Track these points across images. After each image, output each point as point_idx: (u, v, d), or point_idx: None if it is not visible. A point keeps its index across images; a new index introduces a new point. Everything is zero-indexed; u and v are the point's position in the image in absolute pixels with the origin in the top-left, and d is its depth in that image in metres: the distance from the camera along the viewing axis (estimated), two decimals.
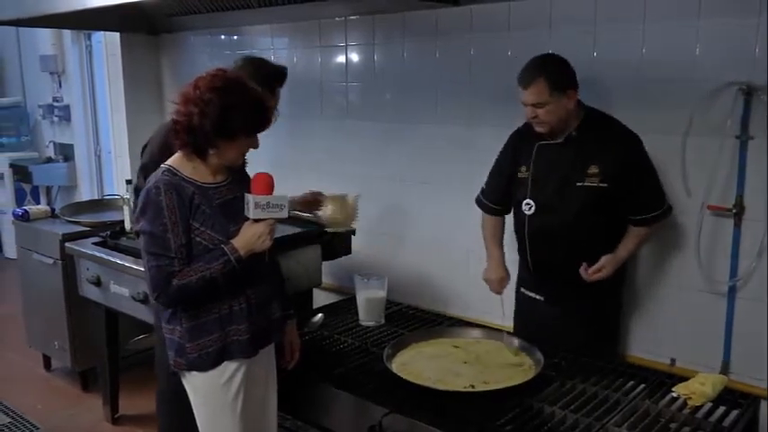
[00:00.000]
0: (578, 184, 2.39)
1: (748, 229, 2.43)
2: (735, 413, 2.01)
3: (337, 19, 3.58)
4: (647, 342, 2.71)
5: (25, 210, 3.87)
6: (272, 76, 2.51)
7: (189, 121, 1.90)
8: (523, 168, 2.52)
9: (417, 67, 3.30)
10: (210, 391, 2.04)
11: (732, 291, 2.49)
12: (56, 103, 5.74)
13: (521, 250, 2.63)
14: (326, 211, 2.94)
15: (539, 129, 2.42)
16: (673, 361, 2.65)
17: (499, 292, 2.63)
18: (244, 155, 2.06)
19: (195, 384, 2.05)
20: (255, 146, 2.01)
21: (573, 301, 2.50)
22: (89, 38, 5.27)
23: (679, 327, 2.63)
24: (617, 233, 2.46)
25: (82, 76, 5.38)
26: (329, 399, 2.28)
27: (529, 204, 2.50)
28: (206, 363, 2.01)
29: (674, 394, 2.08)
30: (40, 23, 4.52)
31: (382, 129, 3.49)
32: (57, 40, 5.45)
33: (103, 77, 5.00)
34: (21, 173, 5.85)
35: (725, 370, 2.51)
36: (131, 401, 3.60)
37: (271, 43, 3.98)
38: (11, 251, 5.55)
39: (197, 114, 1.88)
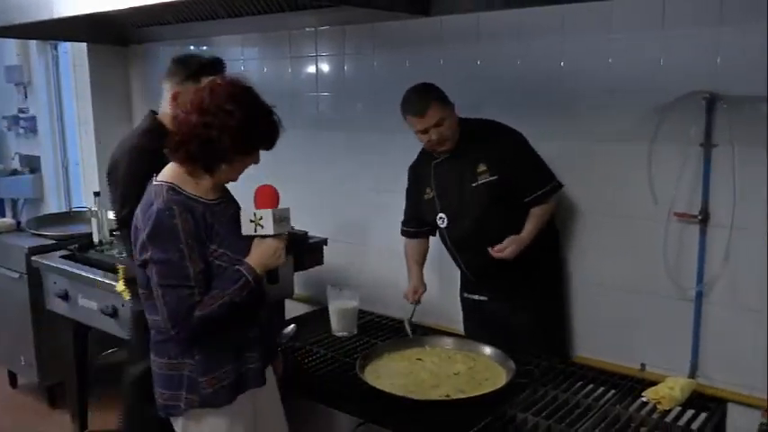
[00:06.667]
0: (473, 185, 2.59)
1: (714, 236, 2.48)
2: (703, 416, 2.04)
3: (308, 29, 3.58)
4: (618, 347, 2.74)
5: None
6: (204, 67, 2.41)
7: (207, 133, 1.75)
8: (428, 190, 2.70)
9: (388, 78, 3.31)
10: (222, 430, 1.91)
11: (699, 296, 2.53)
12: (21, 115, 5.64)
13: (452, 259, 2.80)
14: None
15: (443, 148, 2.58)
16: (643, 366, 2.68)
17: (411, 301, 2.74)
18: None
19: (202, 425, 1.90)
20: (257, 161, 1.90)
21: (514, 294, 2.66)
22: (55, 48, 5.21)
23: (648, 332, 2.67)
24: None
25: (48, 86, 5.31)
26: (302, 410, 2.27)
27: (441, 218, 2.68)
28: (221, 397, 1.87)
29: (644, 399, 2.10)
30: (5, 34, 4.45)
31: (354, 139, 3.50)
32: (22, 51, 5.37)
33: (70, 88, 4.94)
34: None
35: (693, 374, 2.55)
36: (100, 417, 3.54)
37: (241, 53, 3.96)
38: None
39: (217, 127, 1.75)
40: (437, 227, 2.73)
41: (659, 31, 2.48)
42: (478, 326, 2.77)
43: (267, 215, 1.85)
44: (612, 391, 2.19)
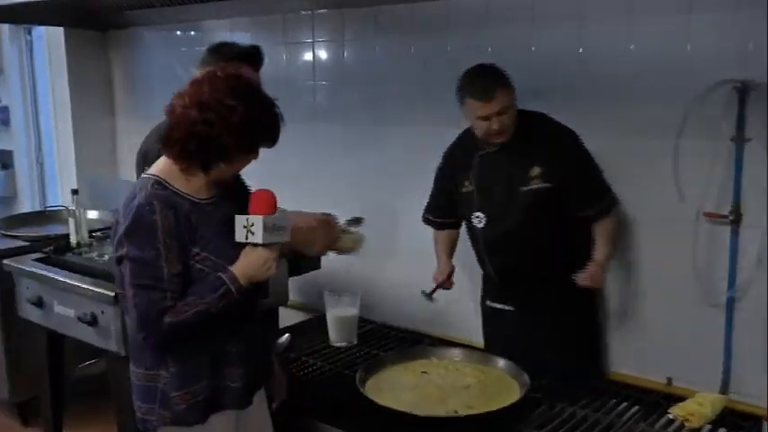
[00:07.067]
0: (523, 188, 2.50)
1: (746, 237, 2.46)
2: None
3: (303, 13, 3.57)
4: (641, 360, 2.73)
5: None
6: (240, 56, 2.38)
7: (207, 130, 1.75)
8: (466, 182, 2.61)
9: (391, 66, 3.30)
10: None
11: (731, 303, 2.52)
12: None
13: (480, 262, 2.74)
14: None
15: (500, 139, 2.49)
16: (669, 380, 2.66)
17: (440, 281, 2.75)
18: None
19: None
20: (257, 158, 1.90)
21: (544, 307, 2.59)
22: (29, 33, 5.20)
23: (675, 343, 2.65)
24: (576, 228, 2.57)
25: (22, 75, 5.29)
26: (297, 428, 2.25)
27: (478, 217, 2.60)
28: (194, 415, 1.86)
29: (671, 416, 2.09)
30: None
31: (354, 132, 3.49)
32: None
33: (46, 77, 4.93)
34: None
35: (725, 389, 2.53)
36: None
37: (231, 39, 3.94)
38: None
39: (217, 123, 1.75)
40: (469, 223, 2.66)
41: (686, 15, 2.47)
42: (500, 336, 2.72)
43: (258, 222, 1.81)
44: (636, 407, 2.18)
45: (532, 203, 2.49)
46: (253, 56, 2.42)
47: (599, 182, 2.55)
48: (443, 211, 2.79)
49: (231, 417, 1.94)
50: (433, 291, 2.75)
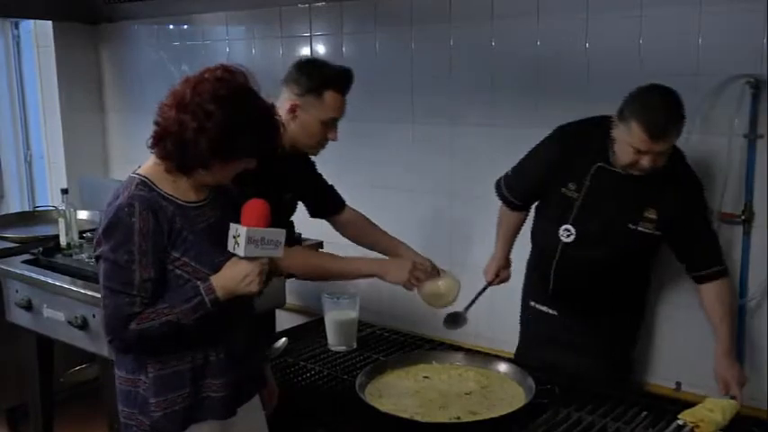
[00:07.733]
0: (630, 225, 2.38)
1: (759, 238, 2.47)
2: None
3: (300, 6, 3.58)
4: (650, 364, 2.74)
5: None
6: (330, 81, 2.31)
7: (181, 132, 1.74)
8: (572, 186, 2.45)
9: (391, 60, 3.31)
10: None
11: (743, 306, 2.52)
12: None
13: (541, 272, 2.64)
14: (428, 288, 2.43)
15: (641, 173, 2.29)
16: (678, 385, 2.67)
17: (490, 279, 2.68)
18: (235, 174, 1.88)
19: None
20: (253, 165, 1.87)
21: (591, 315, 2.56)
22: (16, 27, 5.20)
23: (685, 347, 2.66)
24: (653, 271, 2.59)
25: (9, 70, 5.29)
26: None
27: (568, 231, 2.46)
28: (172, 423, 1.85)
29: (680, 422, 2.09)
30: None
31: (352, 129, 3.47)
32: None
33: (34, 73, 4.94)
34: None
35: None
36: None
37: (226, 33, 3.96)
38: None
39: (193, 128, 1.73)
40: (552, 229, 2.50)
41: (697, 7, 2.47)
42: (538, 337, 2.69)
43: (243, 233, 1.78)
44: (644, 414, 2.18)
45: (632, 244, 2.41)
46: (339, 80, 2.32)
47: (716, 240, 2.43)
48: (527, 195, 2.63)
49: (215, 427, 1.92)
50: (472, 303, 2.61)
